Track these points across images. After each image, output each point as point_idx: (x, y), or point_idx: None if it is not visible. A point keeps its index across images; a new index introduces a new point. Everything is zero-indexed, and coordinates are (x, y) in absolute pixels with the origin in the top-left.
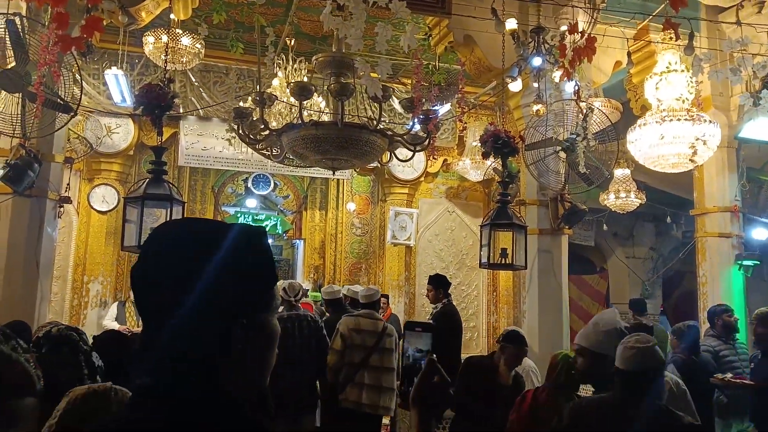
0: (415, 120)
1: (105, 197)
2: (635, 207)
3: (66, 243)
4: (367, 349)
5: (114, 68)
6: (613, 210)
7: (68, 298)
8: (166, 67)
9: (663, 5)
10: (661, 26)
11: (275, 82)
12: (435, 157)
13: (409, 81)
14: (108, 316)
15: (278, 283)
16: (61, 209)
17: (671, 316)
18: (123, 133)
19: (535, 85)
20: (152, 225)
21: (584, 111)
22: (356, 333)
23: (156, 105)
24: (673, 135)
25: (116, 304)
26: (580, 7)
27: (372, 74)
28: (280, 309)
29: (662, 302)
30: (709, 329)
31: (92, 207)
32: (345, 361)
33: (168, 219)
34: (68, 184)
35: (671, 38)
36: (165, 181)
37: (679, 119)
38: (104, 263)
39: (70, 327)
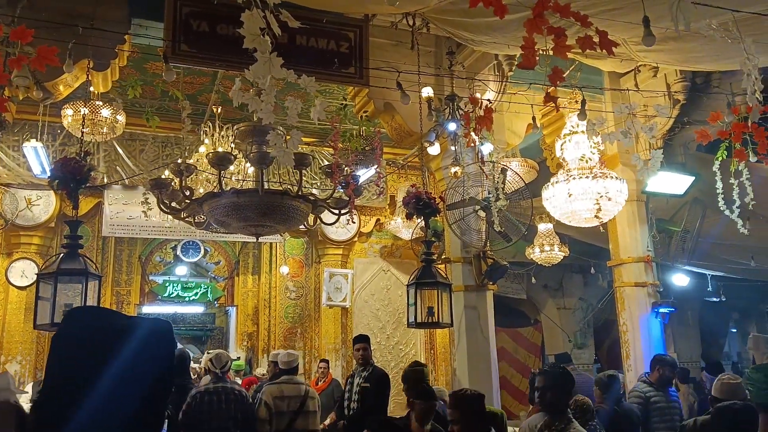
0: (338, 185)
1: (24, 272)
2: (560, 259)
3: None
4: (291, 414)
5: (33, 140)
6: (539, 263)
7: None
8: (82, 139)
9: (568, 71)
10: (569, 90)
11: (202, 149)
12: (354, 221)
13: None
14: (24, 398)
15: (204, 355)
16: None
17: (605, 364)
18: (44, 205)
19: (453, 148)
20: (67, 301)
21: (490, 174)
22: (280, 400)
23: (71, 178)
24: (581, 192)
25: (32, 384)
26: (488, 80)
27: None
28: (207, 381)
29: (595, 351)
30: (643, 374)
31: (10, 282)
32: (272, 429)
33: (84, 294)
34: None
35: (576, 102)
36: (80, 255)
37: (587, 177)
38: (23, 341)
39: None
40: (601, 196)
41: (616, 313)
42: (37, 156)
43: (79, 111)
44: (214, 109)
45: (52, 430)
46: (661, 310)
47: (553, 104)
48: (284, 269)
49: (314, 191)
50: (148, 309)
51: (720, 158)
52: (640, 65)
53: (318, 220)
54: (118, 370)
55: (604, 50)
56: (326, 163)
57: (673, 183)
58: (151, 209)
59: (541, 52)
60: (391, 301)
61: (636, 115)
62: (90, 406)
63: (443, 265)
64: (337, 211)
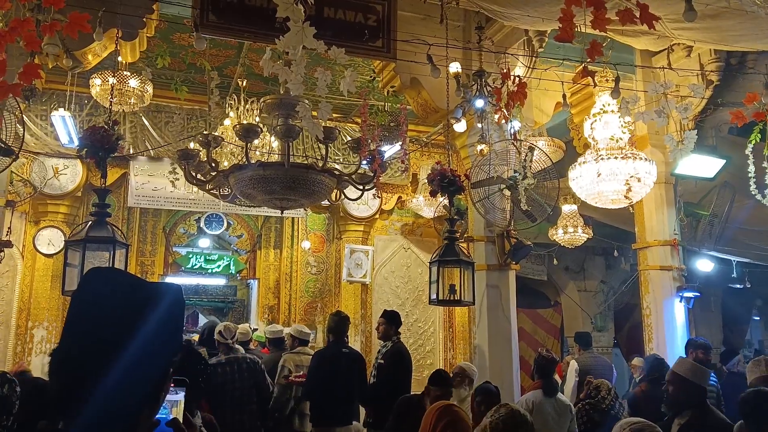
0: (364, 160)
1: (51, 240)
2: (583, 241)
3: (9, 287)
4: None
5: (61, 110)
6: (562, 245)
7: (11, 344)
8: (111, 109)
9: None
10: (599, 68)
11: (227, 122)
12: (379, 196)
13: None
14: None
15: (216, 327)
16: (1, 253)
17: (624, 347)
18: (71, 175)
19: (479, 125)
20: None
21: (522, 151)
22: (299, 368)
23: (100, 147)
24: (609, 172)
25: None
26: (518, 55)
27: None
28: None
29: (615, 334)
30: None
31: (37, 250)
32: (291, 394)
33: (111, 262)
34: (9, 228)
35: (606, 80)
36: (108, 224)
37: (616, 157)
38: (50, 308)
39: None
40: (631, 177)
41: (637, 297)
42: (64, 125)
43: (107, 81)
44: (240, 83)
45: (69, 390)
46: (686, 294)
47: (590, 78)
48: (306, 244)
49: (337, 166)
50: (172, 280)
51: (753, 141)
52: (673, 44)
53: (341, 195)
54: (137, 331)
55: (644, 24)
56: (349, 138)
57: (703, 166)
58: (178, 179)
59: (577, 27)
60: (411, 278)
61: (669, 95)
62: (108, 367)
63: (466, 244)
64: (361, 187)
